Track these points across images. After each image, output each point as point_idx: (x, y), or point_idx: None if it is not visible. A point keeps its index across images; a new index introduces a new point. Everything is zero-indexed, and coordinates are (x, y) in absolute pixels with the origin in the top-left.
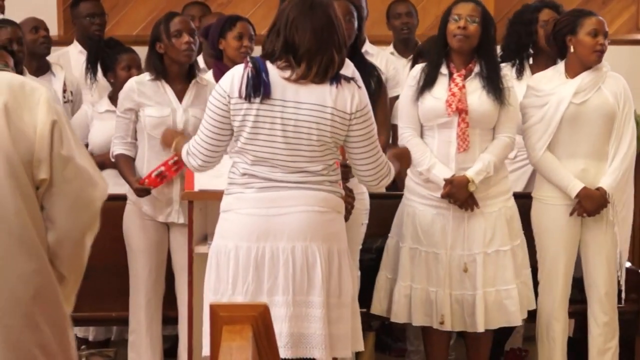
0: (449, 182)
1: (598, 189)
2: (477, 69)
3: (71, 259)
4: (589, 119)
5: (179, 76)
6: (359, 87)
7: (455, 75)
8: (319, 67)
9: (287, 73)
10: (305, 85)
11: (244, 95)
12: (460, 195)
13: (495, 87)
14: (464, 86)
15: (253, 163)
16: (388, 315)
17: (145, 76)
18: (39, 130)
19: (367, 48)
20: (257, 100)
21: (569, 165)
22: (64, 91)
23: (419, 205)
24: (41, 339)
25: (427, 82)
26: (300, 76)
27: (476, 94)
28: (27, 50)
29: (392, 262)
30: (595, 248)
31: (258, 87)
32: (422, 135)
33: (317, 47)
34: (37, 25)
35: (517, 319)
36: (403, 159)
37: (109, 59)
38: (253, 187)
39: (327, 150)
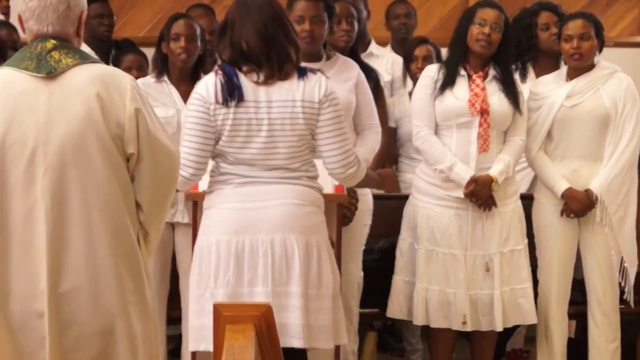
0: (473, 180)
1: (586, 190)
2: (492, 72)
3: (154, 218)
4: (581, 121)
5: (183, 77)
6: (327, 77)
7: (474, 77)
8: (278, 64)
9: (254, 77)
10: (274, 85)
11: (221, 101)
12: (483, 194)
13: (512, 91)
14: (484, 87)
15: (232, 163)
16: (410, 319)
17: (150, 77)
18: (127, 114)
19: (373, 49)
20: (233, 104)
21: (560, 166)
22: None
23: (435, 206)
24: (125, 288)
25: (447, 82)
26: (266, 78)
27: (495, 96)
28: None
29: (408, 264)
30: (589, 249)
31: (232, 92)
32: (437, 134)
33: (265, 46)
34: None
35: (532, 317)
36: (386, 181)
37: (115, 60)
38: (233, 183)
39: (303, 146)
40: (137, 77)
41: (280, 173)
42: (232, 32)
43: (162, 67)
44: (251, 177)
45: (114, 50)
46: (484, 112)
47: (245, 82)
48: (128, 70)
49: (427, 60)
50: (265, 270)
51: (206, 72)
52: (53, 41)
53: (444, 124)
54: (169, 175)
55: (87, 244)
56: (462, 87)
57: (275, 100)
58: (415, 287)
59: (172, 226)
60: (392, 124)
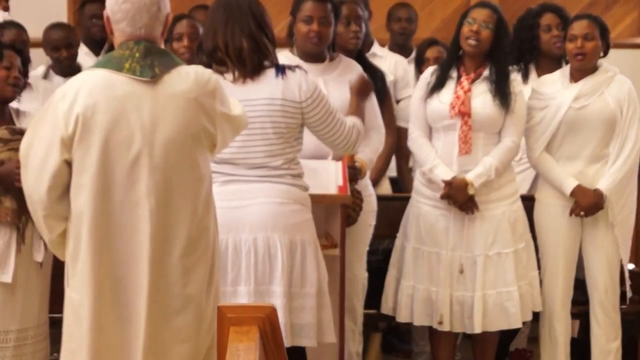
0: (448, 183)
1: (595, 190)
2: (486, 73)
3: None
4: (588, 124)
5: None
6: (306, 72)
7: (462, 79)
8: (239, 65)
9: (226, 76)
10: (250, 83)
11: None
12: (458, 197)
13: (501, 92)
14: (469, 89)
15: (217, 162)
16: (394, 314)
17: None
18: (217, 116)
19: (376, 50)
20: None
21: (566, 167)
22: None
23: (424, 205)
24: (204, 282)
25: (436, 85)
26: (236, 77)
27: (481, 98)
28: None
29: (399, 261)
30: (595, 249)
31: None
32: (431, 137)
33: (223, 44)
34: (58, 45)
35: (517, 321)
36: (364, 88)
37: None
38: (217, 182)
39: (285, 144)
40: None
41: (262, 171)
42: (203, 33)
43: None
44: (234, 176)
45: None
46: (464, 114)
47: (223, 81)
48: None
49: (438, 61)
50: (248, 270)
51: None
52: (146, 44)
53: (433, 126)
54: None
55: (184, 242)
56: (449, 90)
57: (253, 99)
58: (401, 284)
59: None
60: (406, 125)
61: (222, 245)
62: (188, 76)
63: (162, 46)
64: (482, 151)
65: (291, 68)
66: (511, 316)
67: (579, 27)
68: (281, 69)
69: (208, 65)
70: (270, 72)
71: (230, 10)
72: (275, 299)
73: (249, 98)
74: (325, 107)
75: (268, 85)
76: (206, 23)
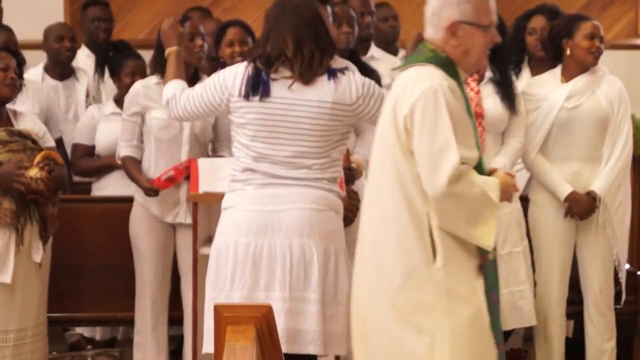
0: None
1: (589, 192)
2: (489, 74)
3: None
4: (581, 123)
5: (185, 78)
6: (353, 72)
7: (469, 80)
8: (301, 67)
9: (281, 75)
10: (303, 84)
11: (243, 94)
12: None
13: (508, 93)
14: (479, 91)
15: (255, 160)
16: None
17: (151, 79)
18: (404, 116)
19: (374, 52)
20: (256, 99)
21: (561, 168)
22: (87, 96)
23: None
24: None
25: None
26: (293, 79)
27: (490, 100)
28: (51, 56)
29: None
30: (588, 250)
31: (257, 87)
32: None
33: (294, 48)
34: (63, 35)
35: (532, 319)
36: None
37: (115, 63)
38: (253, 184)
39: (329, 146)
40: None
41: (302, 173)
42: (266, 31)
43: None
44: (272, 177)
45: (111, 52)
46: (478, 116)
47: (275, 79)
48: (131, 75)
49: None
50: (283, 275)
51: (205, 73)
52: (426, 44)
53: None
54: (437, 169)
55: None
56: None
57: (305, 99)
58: None
59: (174, 228)
60: None
61: (256, 249)
62: (409, 74)
63: (453, 49)
64: (492, 152)
65: (342, 70)
66: (525, 314)
67: (595, 27)
68: (333, 73)
69: (265, 61)
70: (321, 76)
71: (292, 15)
72: (310, 306)
73: (300, 98)
74: (375, 97)
75: (321, 88)
76: (266, 19)
